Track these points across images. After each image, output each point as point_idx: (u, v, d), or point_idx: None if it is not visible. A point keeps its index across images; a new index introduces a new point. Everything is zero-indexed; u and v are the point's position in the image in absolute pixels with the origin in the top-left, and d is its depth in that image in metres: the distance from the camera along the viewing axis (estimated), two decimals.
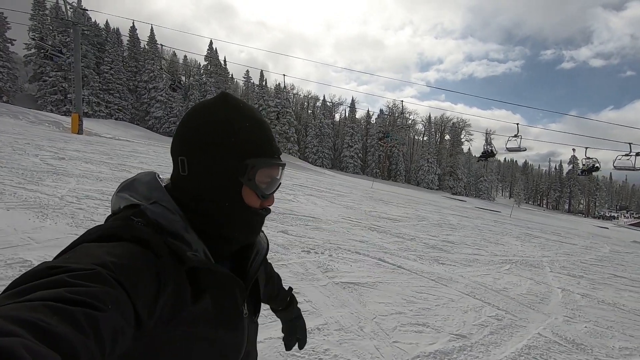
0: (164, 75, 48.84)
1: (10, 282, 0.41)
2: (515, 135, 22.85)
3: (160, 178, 0.68)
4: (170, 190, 0.66)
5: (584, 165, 23.58)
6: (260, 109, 55.34)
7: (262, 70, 56.60)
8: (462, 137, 62.86)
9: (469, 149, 66.80)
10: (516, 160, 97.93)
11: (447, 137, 65.18)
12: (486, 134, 28.21)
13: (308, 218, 7.34)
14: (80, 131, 19.93)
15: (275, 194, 0.72)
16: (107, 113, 45.31)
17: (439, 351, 2.87)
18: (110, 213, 0.66)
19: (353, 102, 62.47)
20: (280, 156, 0.70)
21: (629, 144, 23.89)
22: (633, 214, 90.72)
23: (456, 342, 3.09)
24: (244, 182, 0.64)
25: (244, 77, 55.34)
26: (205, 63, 53.25)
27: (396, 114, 61.04)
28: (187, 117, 0.66)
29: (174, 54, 57.39)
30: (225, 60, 53.94)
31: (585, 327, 4.08)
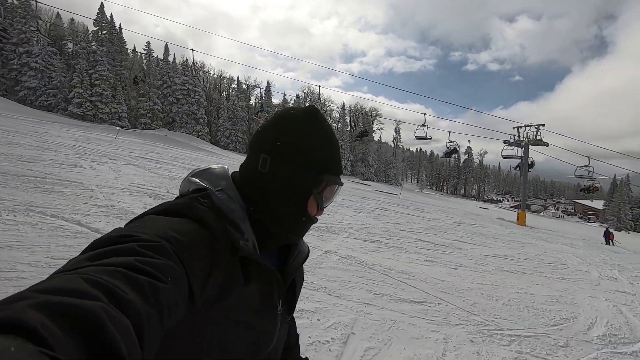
0: (41, 39, 41.31)
1: None
2: (423, 125, 24.15)
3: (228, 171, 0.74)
4: (236, 180, 0.71)
5: (447, 148, 25.64)
6: (165, 86, 50.52)
7: (166, 43, 51.10)
8: (374, 125, 65.51)
9: (380, 137, 70.26)
10: (425, 151, 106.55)
11: (360, 124, 67.43)
12: (357, 112, 29.44)
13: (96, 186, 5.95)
14: None
15: None
16: None
17: None
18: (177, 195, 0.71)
19: (269, 85, 60.65)
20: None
21: (512, 136, 27.08)
22: (514, 197, 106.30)
23: None
24: (313, 194, 0.69)
25: (144, 49, 49.48)
26: (95, 29, 46.35)
27: (312, 100, 60.96)
28: (279, 120, 0.71)
29: (58, 15, 48.82)
30: (120, 28, 47.50)
31: None
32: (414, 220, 11.37)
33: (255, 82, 63.94)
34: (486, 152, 78.17)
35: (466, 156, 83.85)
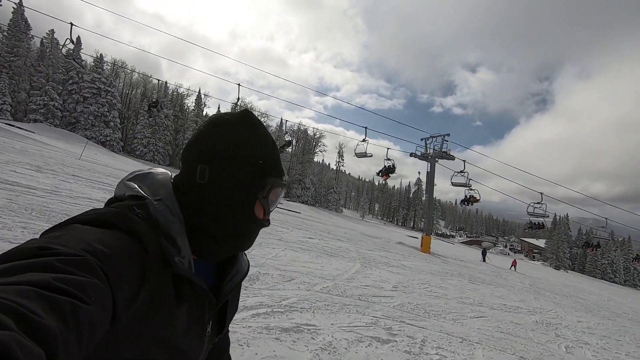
0: None
1: None
2: (363, 140, 21.91)
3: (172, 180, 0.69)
4: (176, 189, 0.66)
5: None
6: (71, 82, 44.19)
7: (79, 36, 44.95)
8: (316, 148, 61.51)
9: (322, 159, 66.39)
10: (382, 183, 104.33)
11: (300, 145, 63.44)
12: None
13: None
14: None
15: None
16: None
17: None
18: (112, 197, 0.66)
19: (200, 94, 55.80)
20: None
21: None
22: (467, 234, 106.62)
23: None
24: (259, 198, 0.66)
25: (46, 37, 43.05)
26: None
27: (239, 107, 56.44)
28: (210, 128, 0.67)
29: None
30: (20, 5, 40.37)
31: None
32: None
33: (190, 89, 58.73)
34: (435, 185, 75.60)
35: (416, 187, 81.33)
